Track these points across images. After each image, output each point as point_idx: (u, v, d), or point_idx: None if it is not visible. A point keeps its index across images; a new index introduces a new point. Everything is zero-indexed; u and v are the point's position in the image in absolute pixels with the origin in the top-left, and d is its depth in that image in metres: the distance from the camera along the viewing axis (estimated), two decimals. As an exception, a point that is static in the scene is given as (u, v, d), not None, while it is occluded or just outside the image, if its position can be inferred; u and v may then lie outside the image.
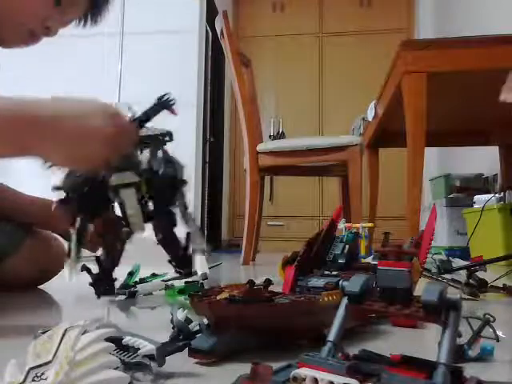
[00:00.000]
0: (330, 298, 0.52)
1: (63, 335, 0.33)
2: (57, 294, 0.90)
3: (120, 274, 0.82)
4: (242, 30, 4.70)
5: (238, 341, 0.48)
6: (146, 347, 0.40)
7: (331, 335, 0.33)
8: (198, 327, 0.53)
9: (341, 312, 0.34)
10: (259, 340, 0.49)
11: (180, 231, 0.77)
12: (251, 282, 0.62)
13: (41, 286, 1.00)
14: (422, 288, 0.30)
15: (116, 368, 0.34)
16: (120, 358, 0.38)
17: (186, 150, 3.41)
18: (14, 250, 0.94)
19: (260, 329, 0.49)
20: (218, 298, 0.52)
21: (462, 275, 1.02)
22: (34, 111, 0.58)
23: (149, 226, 0.74)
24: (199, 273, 0.77)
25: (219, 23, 2.23)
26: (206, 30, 3.83)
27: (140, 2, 3.37)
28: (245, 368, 0.34)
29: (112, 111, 0.63)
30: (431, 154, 3.44)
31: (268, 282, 0.64)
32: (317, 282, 0.62)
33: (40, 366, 0.31)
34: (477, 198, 2.34)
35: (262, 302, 0.51)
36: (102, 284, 0.74)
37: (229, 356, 0.46)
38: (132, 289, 0.85)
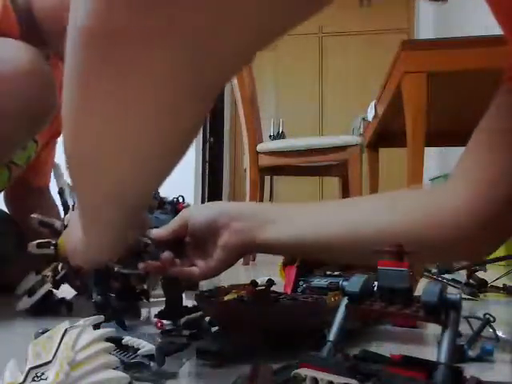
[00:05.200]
0: (336, 298, 0.52)
1: (63, 335, 0.33)
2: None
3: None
4: (242, 29, 4.69)
5: (246, 342, 0.48)
6: (146, 347, 0.40)
7: (331, 335, 0.33)
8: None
9: (341, 312, 0.34)
10: (266, 341, 0.49)
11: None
12: (254, 283, 0.62)
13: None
14: (422, 288, 0.30)
15: (116, 368, 0.34)
16: (120, 358, 0.38)
17: (186, 149, 3.41)
18: (17, 253, 0.94)
19: (268, 330, 0.49)
20: (226, 298, 0.52)
21: (461, 275, 1.02)
22: None
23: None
24: None
25: (219, 23, 2.23)
26: (206, 30, 3.83)
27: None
28: (245, 368, 0.34)
29: None
30: (431, 154, 3.44)
31: (270, 283, 0.64)
32: (320, 281, 0.62)
33: (40, 365, 0.31)
34: (477, 197, 2.33)
35: (270, 303, 0.51)
36: None
37: (237, 357, 0.46)
38: None
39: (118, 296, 0.61)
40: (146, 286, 0.66)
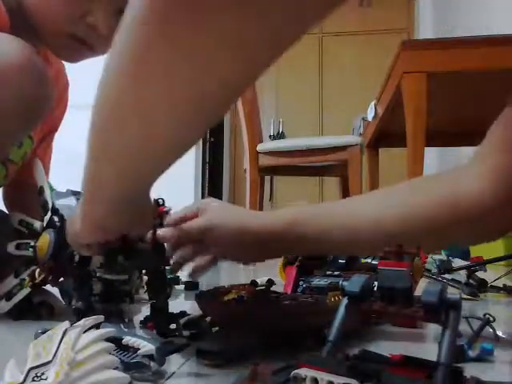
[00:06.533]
0: (336, 298, 0.52)
1: (63, 335, 0.33)
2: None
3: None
4: (242, 29, 4.69)
5: (246, 342, 0.48)
6: (146, 347, 0.40)
7: (331, 335, 0.33)
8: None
9: (341, 312, 0.34)
10: (266, 341, 0.49)
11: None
12: (254, 283, 0.62)
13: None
14: (422, 288, 0.30)
15: (116, 368, 0.34)
16: (120, 358, 0.38)
17: (186, 149, 3.41)
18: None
19: (268, 330, 0.48)
20: (226, 298, 0.51)
21: (461, 275, 1.02)
22: None
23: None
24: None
25: (219, 23, 2.23)
26: (206, 30, 3.83)
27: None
28: (245, 368, 0.34)
29: None
30: (431, 154, 3.44)
31: (270, 283, 0.64)
32: (320, 282, 0.62)
33: (40, 365, 0.31)
34: (477, 197, 2.33)
35: (271, 303, 0.51)
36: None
37: (237, 357, 0.46)
38: None
39: (102, 299, 0.59)
40: (129, 288, 0.64)
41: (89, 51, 0.76)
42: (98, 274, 0.57)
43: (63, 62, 0.96)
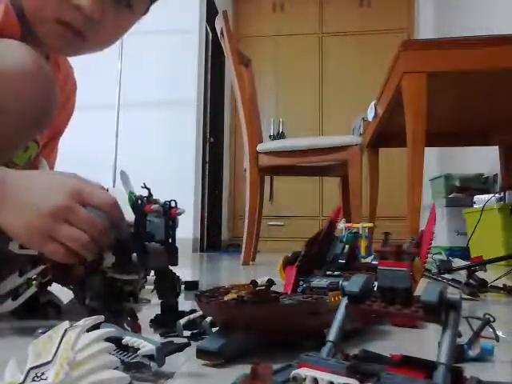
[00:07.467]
0: (337, 298, 0.52)
1: (63, 335, 0.33)
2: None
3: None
4: (242, 29, 4.70)
5: (246, 342, 0.48)
6: (146, 347, 0.40)
7: (331, 335, 0.33)
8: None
9: (341, 312, 0.34)
10: (266, 340, 0.49)
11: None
12: (254, 283, 0.62)
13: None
14: (422, 288, 0.30)
15: (116, 368, 0.34)
16: (120, 358, 0.38)
17: (186, 149, 3.42)
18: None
19: (269, 329, 0.48)
20: (226, 298, 0.51)
21: (462, 275, 1.02)
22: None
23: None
24: None
25: (219, 23, 2.23)
26: (206, 30, 3.84)
27: (140, 1, 3.36)
28: (245, 368, 0.34)
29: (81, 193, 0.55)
30: (431, 153, 3.44)
31: (271, 283, 0.64)
32: (320, 282, 0.62)
33: (40, 365, 0.31)
34: (477, 198, 2.35)
35: (271, 303, 0.51)
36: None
37: (237, 357, 0.46)
38: None
39: (106, 298, 0.59)
40: (132, 288, 0.64)
41: (81, 40, 0.73)
42: (109, 274, 0.57)
43: (64, 58, 0.96)
